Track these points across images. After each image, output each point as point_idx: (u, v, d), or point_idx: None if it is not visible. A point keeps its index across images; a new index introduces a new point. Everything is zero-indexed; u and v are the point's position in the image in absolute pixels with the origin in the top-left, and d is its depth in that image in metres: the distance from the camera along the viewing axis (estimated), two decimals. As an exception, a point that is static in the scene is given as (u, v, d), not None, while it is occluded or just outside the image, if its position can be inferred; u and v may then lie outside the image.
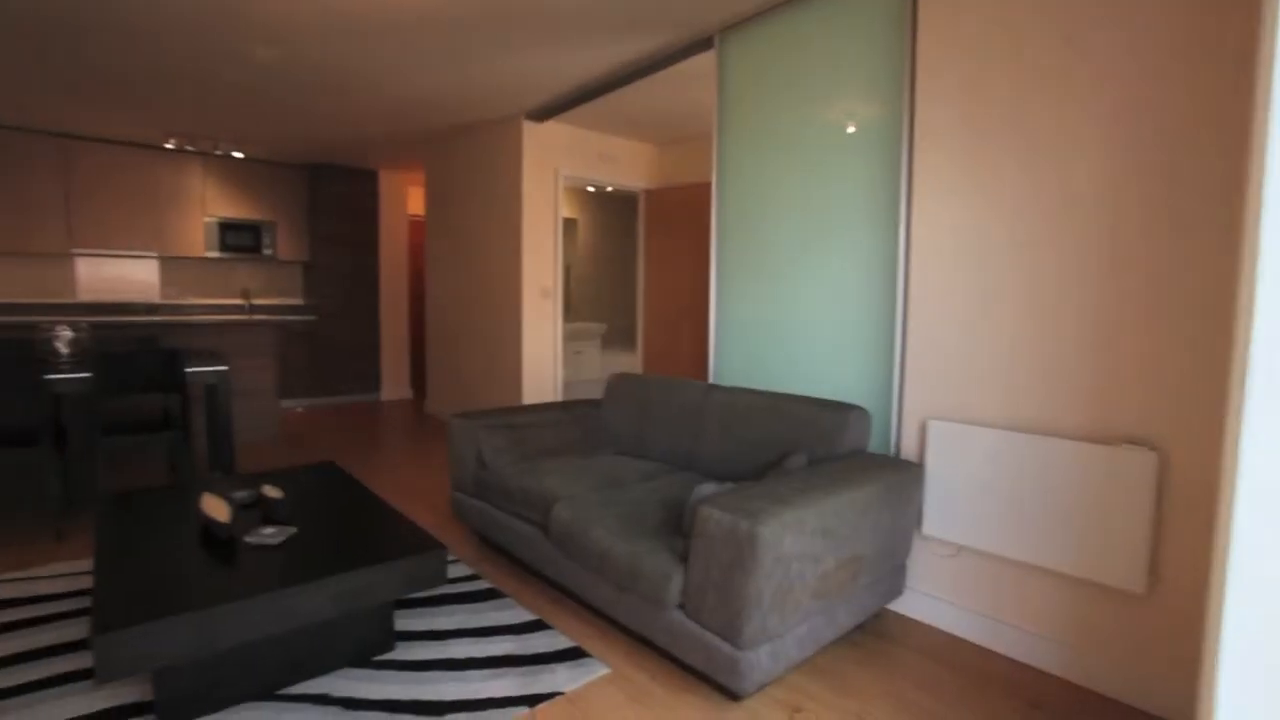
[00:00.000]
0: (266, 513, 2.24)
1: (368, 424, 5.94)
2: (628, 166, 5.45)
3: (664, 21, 3.10)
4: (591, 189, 6.79)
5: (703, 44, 3.25)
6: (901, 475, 2.24)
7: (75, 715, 1.81)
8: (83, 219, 5.78)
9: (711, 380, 3.29)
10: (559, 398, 5.15)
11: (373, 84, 4.15)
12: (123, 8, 3.05)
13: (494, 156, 5.15)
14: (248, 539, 2.03)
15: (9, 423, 3.37)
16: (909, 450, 2.53)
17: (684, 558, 1.96)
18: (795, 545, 1.81)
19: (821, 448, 2.45)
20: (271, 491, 2.26)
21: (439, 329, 6.17)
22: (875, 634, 2.39)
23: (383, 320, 7.11)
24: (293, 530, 2.11)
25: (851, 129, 2.70)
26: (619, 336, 7.24)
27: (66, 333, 3.48)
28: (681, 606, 1.96)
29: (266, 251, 6.60)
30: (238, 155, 6.29)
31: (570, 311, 6.80)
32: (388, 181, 7.04)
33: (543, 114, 4.69)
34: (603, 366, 6.76)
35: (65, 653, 2.13)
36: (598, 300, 7.22)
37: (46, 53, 3.67)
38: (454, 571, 2.78)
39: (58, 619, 2.34)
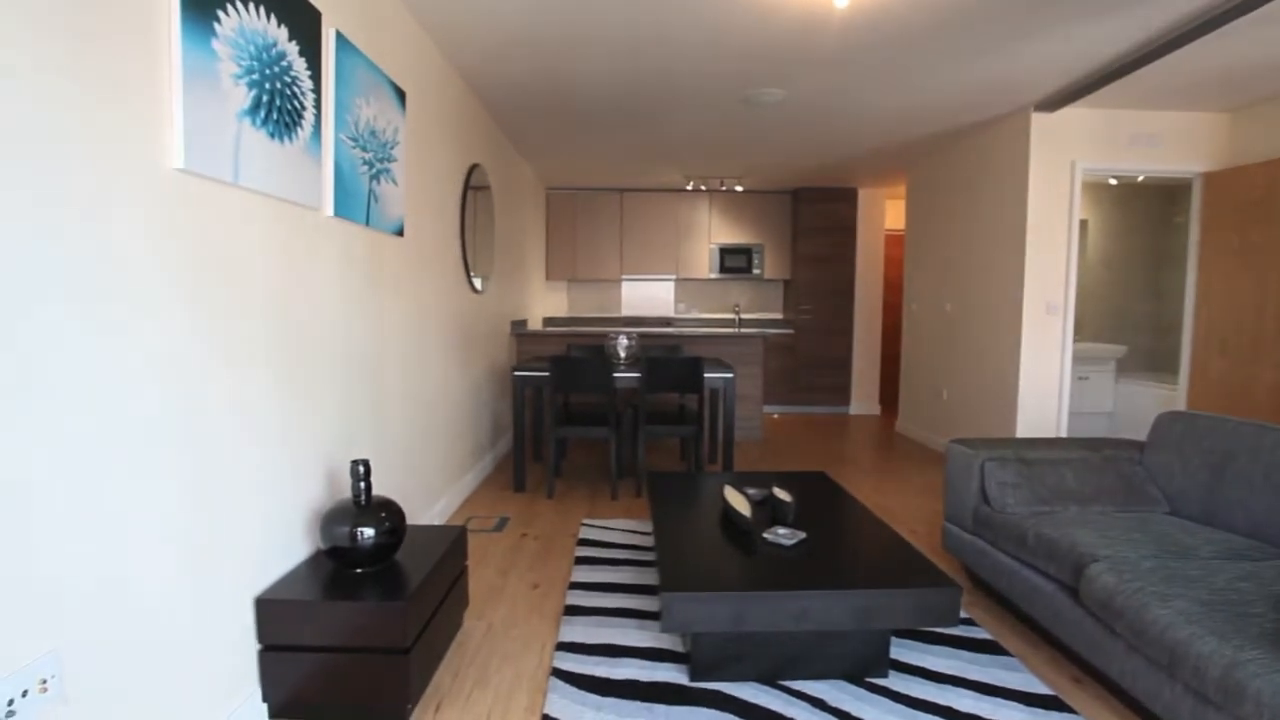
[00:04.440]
0: (776, 513, 2.43)
1: (838, 436, 6.08)
2: (1176, 146, 4.29)
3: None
4: (1113, 180, 5.59)
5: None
6: None
7: (632, 644, 2.26)
8: (629, 251, 7.44)
9: (1345, 432, 2.30)
10: (1063, 432, 4.37)
11: (860, 105, 4.21)
12: (672, 88, 3.78)
13: (991, 158, 4.68)
14: (765, 535, 2.23)
15: (592, 407, 4.50)
16: None
17: (1328, 687, 1.37)
18: None
19: None
20: (781, 494, 2.44)
21: (916, 345, 5.93)
22: None
23: (856, 334, 7.21)
24: (802, 534, 2.24)
25: None
26: (1143, 361, 5.80)
27: (624, 341, 4.46)
28: (1317, 754, 1.37)
29: (755, 271, 7.40)
30: (738, 189, 7.20)
31: (1076, 331, 5.74)
32: (866, 198, 7.12)
33: (1057, 101, 4.04)
34: (1117, 398, 5.50)
35: (626, 591, 2.69)
36: (1113, 316, 5.91)
37: (622, 134, 4.82)
38: (945, 609, 2.57)
39: (620, 564, 2.98)
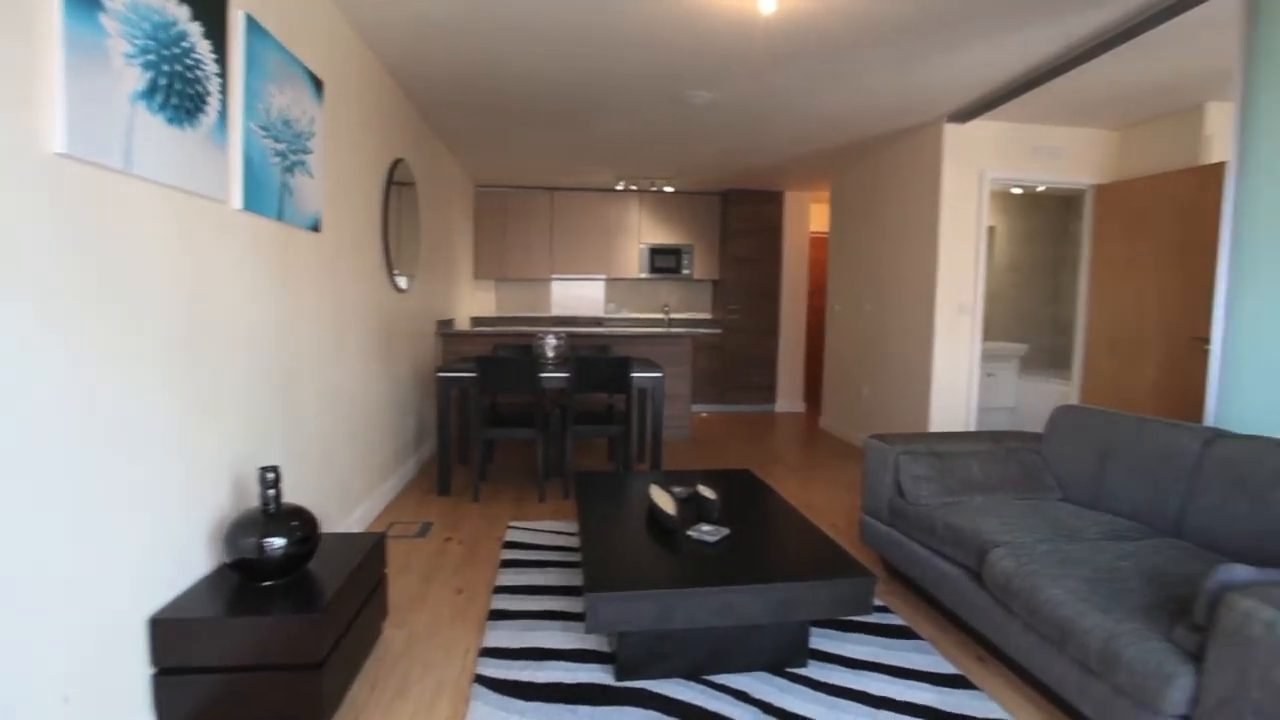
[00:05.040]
0: (701, 510, 2.46)
1: (765, 434, 6.23)
2: (1072, 160, 4.61)
3: (1157, -26, 2.51)
4: (1017, 190, 5.96)
5: (1217, -11, 2.53)
6: None
7: (557, 647, 2.25)
8: (559, 251, 7.39)
9: (1211, 423, 2.53)
10: (972, 426, 4.62)
11: (788, 111, 4.33)
12: (604, 86, 3.78)
13: (908, 165, 4.90)
14: (690, 533, 2.26)
15: (519, 408, 4.44)
16: None
17: (1195, 656, 1.50)
18: None
19: None
20: (706, 492, 2.48)
21: (838, 345, 6.14)
22: None
23: (782, 334, 7.40)
24: (725, 531, 2.28)
25: None
26: (1042, 359, 6.21)
27: (552, 341, 4.43)
28: (1184, 718, 1.51)
29: (685, 271, 7.49)
30: (668, 189, 7.27)
31: (984, 330, 6.08)
32: (792, 200, 7.32)
33: (969, 113, 4.27)
34: (1020, 393, 5.86)
35: (552, 594, 2.66)
36: (1016, 317, 6.30)
37: (553, 133, 4.78)
38: (862, 599, 2.67)
39: (547, 566, 2.95)
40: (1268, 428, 2.35)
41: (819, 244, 7.70)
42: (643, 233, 7.47)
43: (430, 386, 5.00)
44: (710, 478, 3.04)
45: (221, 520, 1.99)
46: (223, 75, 1.96)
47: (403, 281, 4.18)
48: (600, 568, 2.03)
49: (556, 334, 4.53)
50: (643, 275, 7.48)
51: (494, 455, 5.10)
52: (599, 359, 3.97)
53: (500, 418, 4.09)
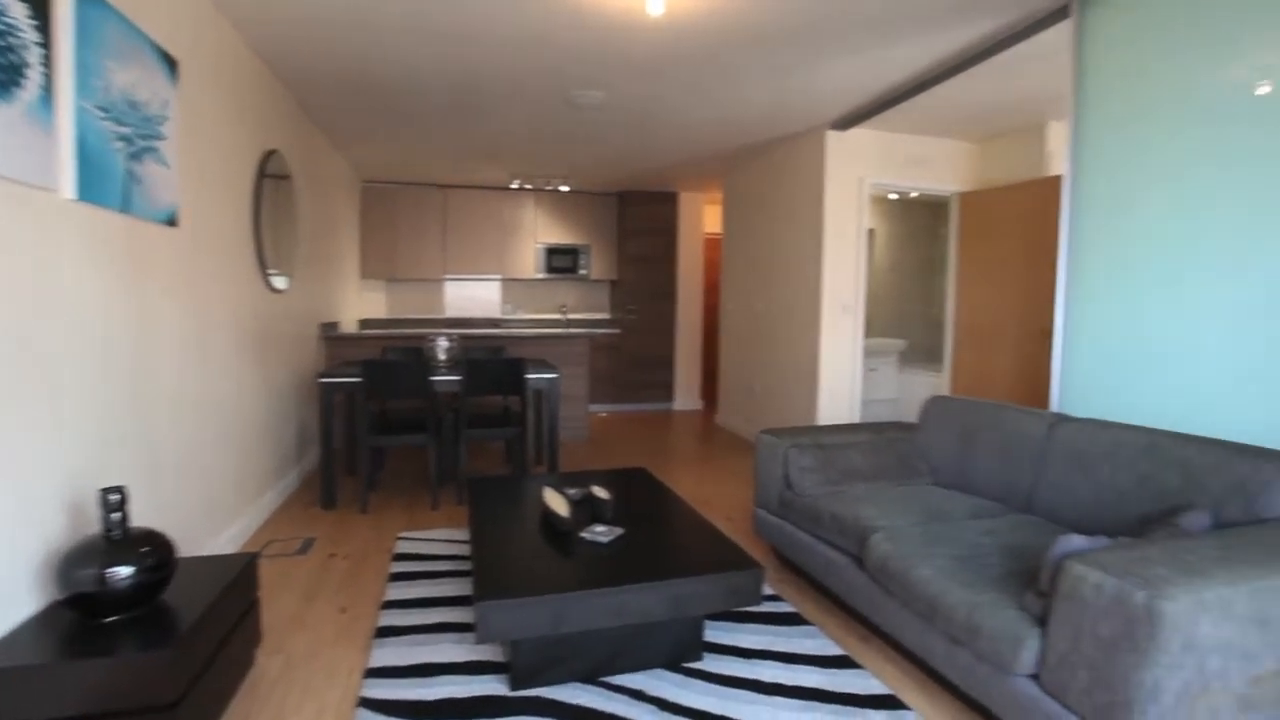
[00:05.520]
0: (595, 511, 2.45)
1: (663, 432, 6.31)
2: (940, 168, 4.98)
3: (1005, -1, 2.75)
4: (893, 196, 6.36)
5: (1056, 14, 2.80)
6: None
7: (449, 661, 2.16)
8: (453, 250, 7.16)
9: (1056, 409, 2.80)
10: (857, 418, 4.88)
11: (679, 114, 4.40)
12: (493, 85, 3.69)
13: (794, 170, 5.11)
14: (583, 534, 2.24)
15: (410, 413, 4.26)
16: (1387, 522, 1.82)
17: (1041, 620, 1.65)
18: (1217, 633, 1.39)
19: (1234, 507, 1.89)
20: (600, 492, 2.47)
21: (732, 343, 6.32)
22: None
23: (678, 334, 7.52)
24: (619, 531, 2.27)
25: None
26: (919, 354, 6.66)
27: (444, 343, 4.28)
28: (1035, 676, 1.65)
29: (583, 272, 7.46)
30: (564, 189, 7.21)
31: (865, 327, 6.44)
32: (686, 202, 7.45)
33: (848, 121, 4.51)
34: (900, 386, 6.27)
35: (445, 605, 2.57)
36: (896, 315, 6.73)
37: (442, 130, 4.61)
38: (755, 589, 2.76)
39: (440, 576, 2.84)
40: (1099, 411, 2.63)
41: (714, 244, 7.90)
42: (539, 232, 7.37)
43: (313, 393, 4.70)
44: (605, 478, 3.03)
45: (53, 552, 1.77)
46: (45, 45, 1.74)
47: (280, 281, 3.90)
48: (490, 575, 1.97)
49: (449, 336, 4.38)
50: (540, 275, 7.38)
51: (385, 463, 4.87)
52: (492, 360, 3.88)
53: (390, 424, 3.90)
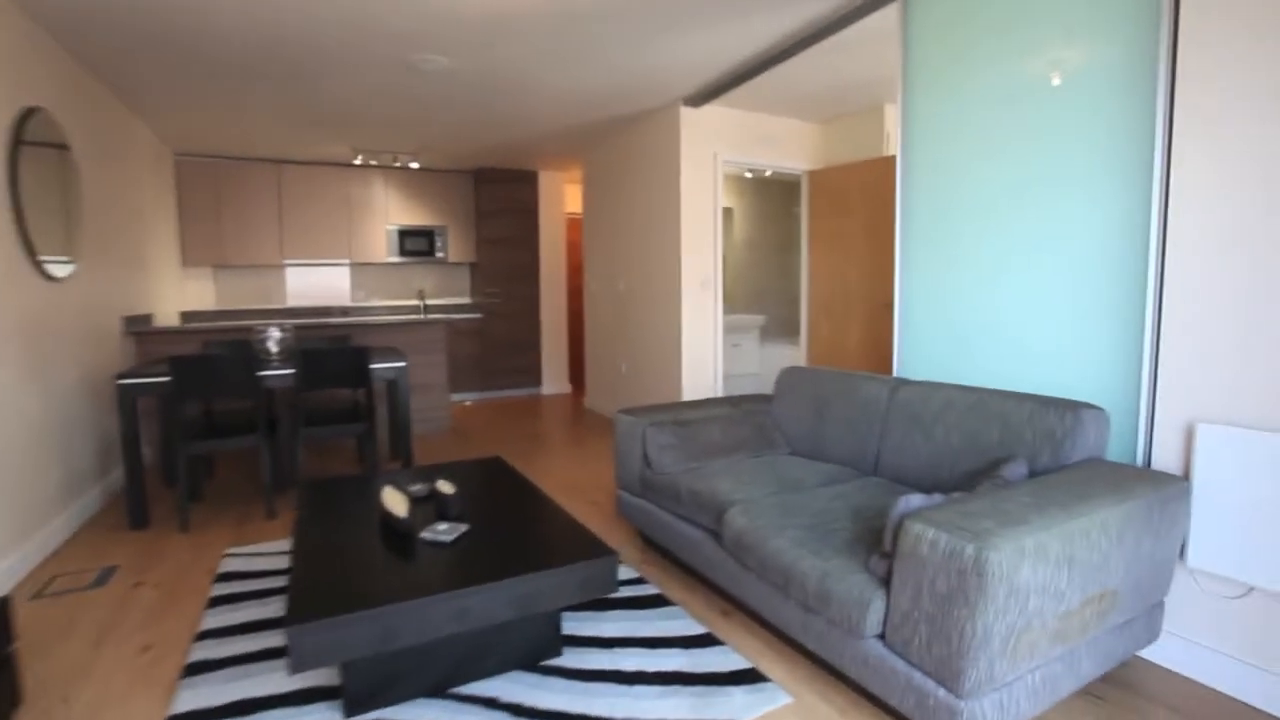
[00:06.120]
0: (440, 508, 2.25)
1: (529, 418, 6.12)
2: (789, 147, 5.11)
3: (838, -26, 2.79)
4: (749, 174, 6.51)
5: (883, -3, 2.89)
6: (1162, 492, 1.79)
7: (273, 693, 1.90)
8: (291, 233, 6.50)
9: (897, 374, 2.93)
10: (719, 393, 4.95)
11: (532, 84, 4.19)
12: (323, 39, 3.29)
13: (651, 147, 5.05)
14: (423, 535, 2.04)
15: (236, 413, 3.79)
16: (1165, 461, 2.04)
17: (885, 581, 1.68)
18: (1035, 576, 1.46)
19: (1045, 455, 2.04)
20: (445, 487, 2.27)
21: (597, 324, 6.22)
22: (1122, 685, 1.95)
23: (543, 316, 7.32)
24: (464, 528, 2.10)
25: (1078, 74, 2.23)
26: (778, 328, 6.90)
27: (275, 334, 3.84)
28: (881, 636, 1.68)
29: (439, 255, 7.05)
30: (414, 166, 6.75)
31: (727, 304, 6.58)
32: (547, 181, 7.23)
33: (701, 98, 4.50)
34: (762, 360, 6.46)
35: (272, 628, 2.27)
36: (755, 291, 6.93)
37: (262, 94, 4.09)
38: (619, 574, 2.68)
39: (271, 595, 2.52)
40: (933, 374, 2.78)
41: (576, 225, 7.74)
42: (391, 213, 6.87)
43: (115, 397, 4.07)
44: (456, 470, 2.82)
45: None
46: None
47: (59, 269, 3.30)
48: (306, 592, 1.73)
49: (282, 326, 3.94)
50: (393, 259, 6.89)
51: (214, 471, 4.33)
52: (329, 350, 3.51)
53: (216, 426, 3.43)
